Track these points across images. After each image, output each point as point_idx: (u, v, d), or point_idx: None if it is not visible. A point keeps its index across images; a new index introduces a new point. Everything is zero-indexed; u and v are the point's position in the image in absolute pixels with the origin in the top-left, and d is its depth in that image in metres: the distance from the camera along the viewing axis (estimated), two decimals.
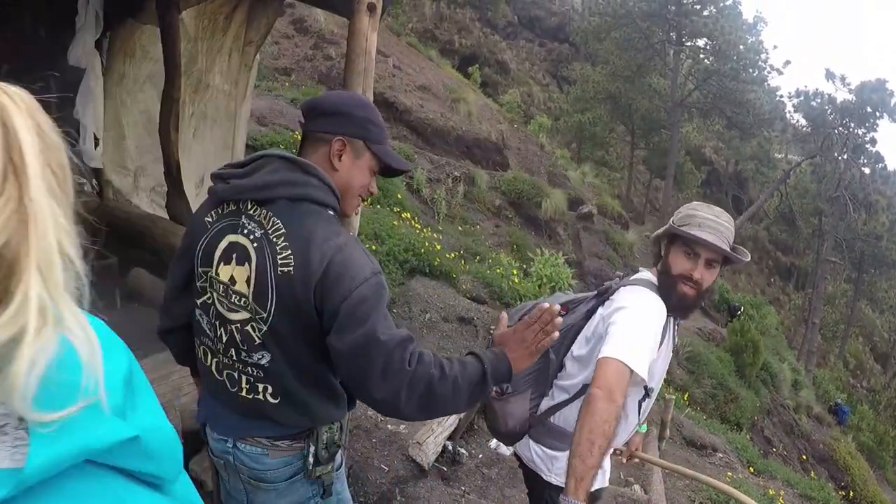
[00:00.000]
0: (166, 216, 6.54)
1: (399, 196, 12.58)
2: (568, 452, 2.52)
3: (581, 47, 40.52)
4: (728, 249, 2.84)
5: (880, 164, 37.13)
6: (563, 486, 2.43)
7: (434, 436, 5.71)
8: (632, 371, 2.57)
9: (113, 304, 6.02)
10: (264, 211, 2.22)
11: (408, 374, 2.12)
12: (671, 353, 3.15)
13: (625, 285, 2.99)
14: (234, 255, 2.24)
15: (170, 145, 6.16)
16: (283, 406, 2.32)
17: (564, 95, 39.18)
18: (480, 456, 6.67)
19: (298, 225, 2.18)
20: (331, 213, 2.27)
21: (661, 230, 3.05)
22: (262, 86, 15.87)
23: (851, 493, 16.37)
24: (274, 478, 2.44)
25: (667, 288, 2.91)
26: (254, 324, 2.21)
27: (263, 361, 2.25)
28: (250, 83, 6.69)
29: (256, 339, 2.22)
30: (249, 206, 2.25)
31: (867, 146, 35.68)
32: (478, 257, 12.34)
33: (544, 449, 3.05)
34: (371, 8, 3.77)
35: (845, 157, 34.44)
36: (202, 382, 2.58)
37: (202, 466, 3.60)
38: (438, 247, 10.35)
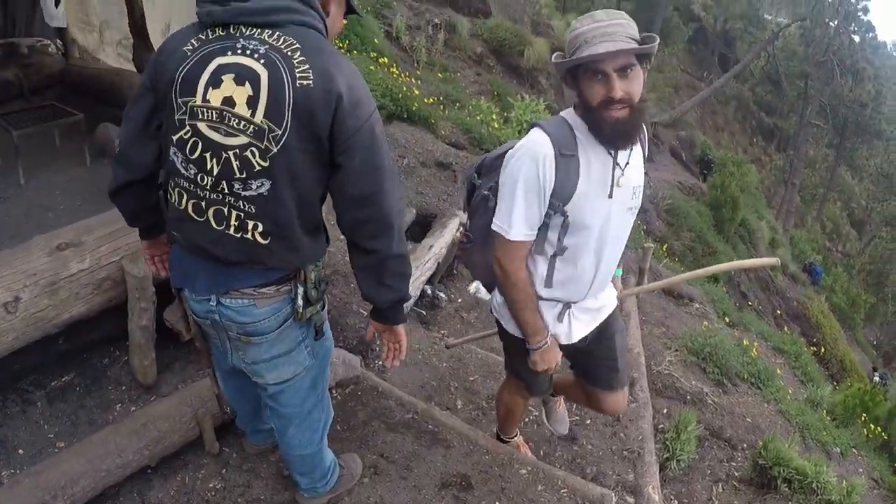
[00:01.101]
0: (134, 69, 6.35)
1: (376, 41, 12.22)
2: None
3: None
4: (633, 44, 2.48)
5: (871, 34, 36.87)
6: (517, 335, 3.06)
7: (413, 280, 5.63)
8: (512, 240, 2.76)
9: (82, 160, 6.03)
10: (269, 31, 2.15)
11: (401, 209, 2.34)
12: (627, 187, 2.78)
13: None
14: (232, 77, 2.12)
15: None
16: (273, 244, 2.29)
17: None
18: (460, 300, 6.65)
19: (314, 45, 2.16)
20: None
21: (557, 62, 2.63)
22: None
23: (822, 350, 16.73)
24: (264, 328, 2.48)
25: (597, 123, 2.59)
26: (254, 148, 2.14)
27: (263, 190, 2.19)
28: None
29: (257, 164, 2.15)
30: (245, 30, 2.16)
31: (859, 14, 35.26)
32: (457, 104, 12.12)
33: (501, 296, 3.06)
34: None
35: (836, 22, 33.79)
36: (173, 239, 2.48)
37: (176, 316, 3.50)
38: (417, 92, 10.13)
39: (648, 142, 3.06)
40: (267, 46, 2.11)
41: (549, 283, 2.91)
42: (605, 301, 3.16)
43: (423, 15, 15.74)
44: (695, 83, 39.61)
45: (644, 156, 2.95)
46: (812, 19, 35.01)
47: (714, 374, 7.15)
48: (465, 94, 13.39)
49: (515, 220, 2.70)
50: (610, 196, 2.73)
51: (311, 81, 2.09)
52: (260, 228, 2.24)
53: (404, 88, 9.59)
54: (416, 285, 5.64)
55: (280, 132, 2.11)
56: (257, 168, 2.14)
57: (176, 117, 2.19)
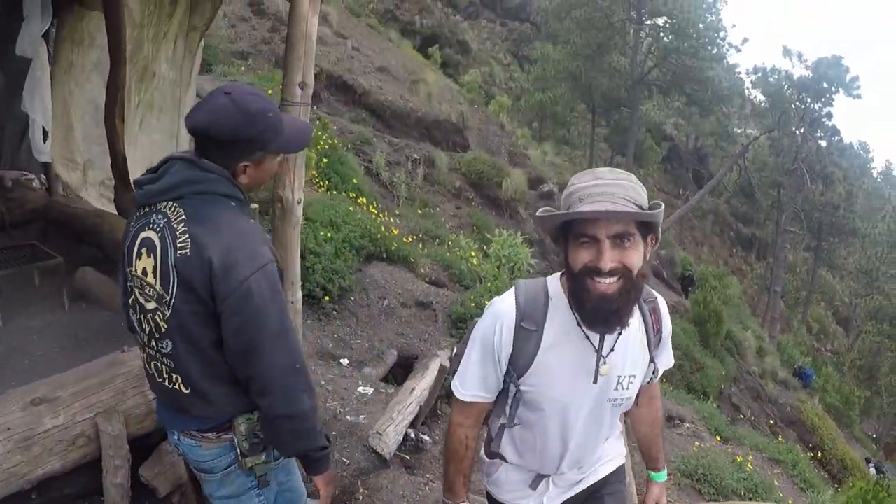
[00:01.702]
0: (115, 211, 6.44)
1: (356, 181, 12.43)
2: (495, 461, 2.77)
3: (542, 27, 40.51)
4: (634, 209, 2.11)
5: (836, 137, 38.04)
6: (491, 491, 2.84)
7: (394, 424, 5.62)
8: (460, 398, 2.61)
9: (61, 304, 5.93)
10: (173, 204, 2.36)
11: (288, 369, 2.36)
12: (611, 376, 2.42)
13: None
14: (144, 249, 2.37)
15: (116, 136, 6.02)
16: (192, 396, 2.46)
17: (525, 75, 39.21)
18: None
19: (200, 213, 2.33)
20: (234, 203, 2.40)
21: (542, 216, 2.27)
22: (218, 70, 15.61)
23: (820, 454, 16.56)
24: (212, 468, 2.61)
25: (578, 294, 2.22)
26: (160, 312, 2.35)
27: (168, 349, 2.39)
28: (194, 70, 6.56)
29: (162, 326, 2.36)
30: (160, 205, 2.39)
31: (823, 120, 36.52)
32: (437, 240, 12.26)
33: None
34: None
35: (802, 130, 35.12)
36: None
37: (153, 472, 3.53)
38: (396, 231, 10.27)
39: (656, 319, 2.58)
40: (165, 219, 2.34)
41: (509, 449, 2.69)
42: (590, 470, 2.79)
43: (402, 150, 16.05)
44: (672, 201, 40.20)
45: (652, 338, 2.54)
46: (779, 129, 36.18)
47: (710, 494, 7.11)
48: (444, 229, 13.57)
49: (468, 379, 2.55)
50: (586, 384, 2.40)
51: (188, 250, 2.27)
52: (180, 380, 2.43)
53: (382, 228, 9.73)
54: (398, 429, 5.62)
55: (169, 297, 2.30)
56: (162, 329, 2.36)
57: (128, 283, 2.48)
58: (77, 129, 6.45)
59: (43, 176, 8.31)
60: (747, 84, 39.95)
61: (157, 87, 6.55)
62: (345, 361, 7.11)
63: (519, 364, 2.42)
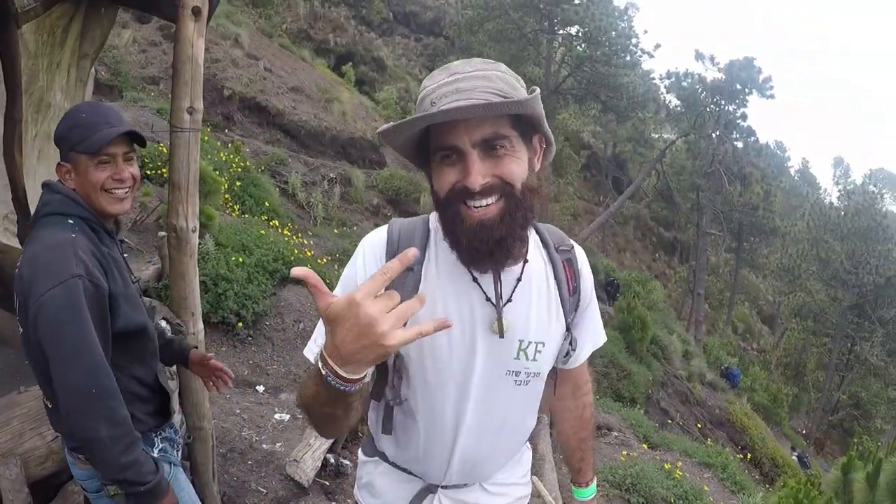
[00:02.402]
0: (19, 246, 6.28)
1: (267, 203, 12.35)
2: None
3: (456, 40, 40.65)
4: (502, 99, 1.63)
5: (752, 138, 38.44)
6: None
7: (312, 451, 5.55)
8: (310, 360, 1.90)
9: None
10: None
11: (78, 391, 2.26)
12: (511, 340, 1.92)
13: None
14: None
15: (15, 169, 5.83)
16: (52, 411, 2.52)
17: None
18: None
19: (35, 233, 2.41)
20: (70, 221, 2.41)
21: (387, 135, 1.71)
22: (129, 96, 15.38)
23: (750, 455, 16.82)
24: (87, 487, 2.64)
25: (449, 227, 1.76)
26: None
27: (27, 361, 2.43)
28: (87, 98, 6.40)
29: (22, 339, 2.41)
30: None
31: (738, 122, 36.89)
32: None
33: None
34: (196, 12, 3.58)
35: (718, 133, 35.68)
36: None
37: None
38: (310, 253, 10.23)
39: (572, 274, 2.06)
40: None
41: (391, 440, 2.14)
42: (494, 492, 2.20)
43: (318, 170, 16.05)
44: (592, 209, 40.72)
45: (566, 298, 2.03)
46: (695, 133, 36.80)
47: None
48: None
49: (316, 331, 1.95)
50: (479, 342, 1.90)
51: (18, 268, 2.37)
52: (43, 395, 2.51)
53: (296, 250, 9.65)
54: (316, 455, 5.54)
55: (17, 314, 2.37)
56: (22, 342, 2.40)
57: None
58: None
59: None
60: (662, 89, 40.53)
61: (53, 116, 6.37)
62: (261, 388, 7.01)
63: None
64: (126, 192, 2.53)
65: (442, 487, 2.12)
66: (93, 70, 6.15)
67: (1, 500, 3.50)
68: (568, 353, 2.05)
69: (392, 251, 1.92)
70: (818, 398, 33.19)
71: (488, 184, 1.66)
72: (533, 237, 2.00)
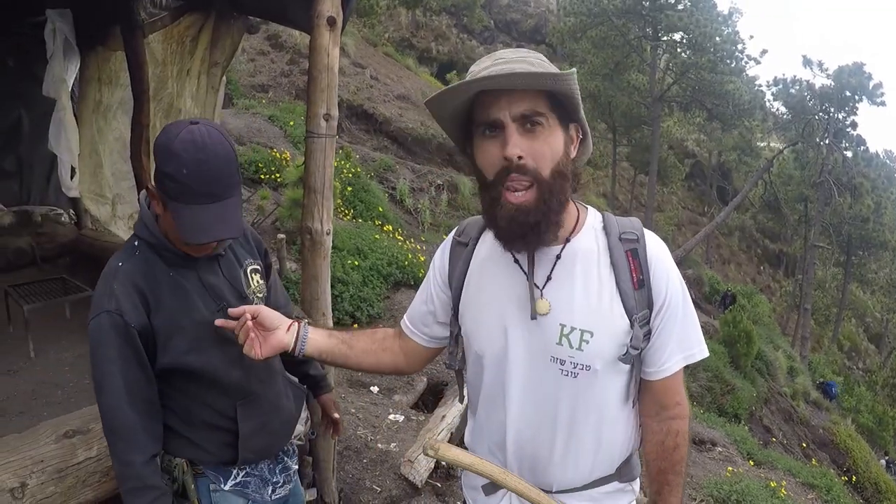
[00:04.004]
0: None
1: (381, 209, 12.50)
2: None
3: (558, 48, 40.45)
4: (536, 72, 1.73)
5: (862, 147, 37.08)
6: None
7: None
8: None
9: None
10: None
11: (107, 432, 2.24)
12: (552, 323, 1.90)
13: None
14: None
15: (142, 172, 6.09)
16: None
17: None
18: None
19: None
20: (136, 242, 2.32)
21: (434, 106, 1.87)
22: (240, 104, 15.78)
23: (854, 477, 16.29)
24: None
25: (489, 210, 1.83)
26: None
27: None
28: (218, 105, 6.60)
29: None
30: None
31: (848, 130, 35.55)
32: None
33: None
34: (331, 22, 3.65)
35: (827, 142, 34.40)
36: None
37: None
38: (422, 258, 10.29)
39: (637, 265, 1.95)
40: None
41: (469, 429, 2.28)
42: (569, 497, 2.08)
43: (425, 176, 16.14)
44: (696, 219, 39.99)
45: (629, 291, 1.92)
46: (803, 142, 35.75)
47: None
48: None
49: (411, 306, 2.32)
50: (519, 319, 1.93)
51: None
52: None
53: (409, 255, 9.75)
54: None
55: None
56: None
57: None
58: (105, 165, 6.51)
59: (72, 211, 8.47)
60: (768, 97, 39.28)
61: None
62: (375, 389, 7.12)
63: (453, 286, 2.11)
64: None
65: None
66: (224, 78, 6.33)
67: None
68: (627, 353, 1.91)
69: (459, 233, 2.17)
70: None
71: (524, 161, 1.74)
72: (593, 223, 2.02)
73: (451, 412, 6.40)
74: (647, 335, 1.95)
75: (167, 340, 2.26)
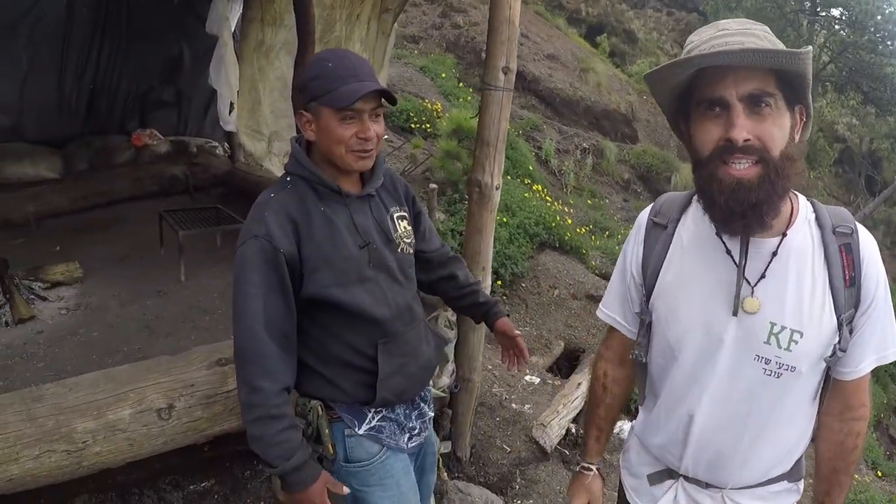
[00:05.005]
0: None
1: (530, 168, 12.40)
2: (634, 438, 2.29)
3: (710, 17, 39.28)
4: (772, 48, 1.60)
5: None
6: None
7: (559, 417, 5.58)
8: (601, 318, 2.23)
9: None
10: None
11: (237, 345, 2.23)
12: (761, 321, 1.79)
13: None
14: None
15: None
16: None
17: None
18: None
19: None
20: (288, 178, 2.38)
21: (653, 79, 1.77)
22: (392, 53, 15.87)
23: None
24: None
25: (706, 187, 1.70)
26: None
27: None
28: (388, 52, 6.63)
29: None
30: None
31: None
32: (607, 232, 12.00)
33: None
34: None
35: None
36: None
37: None
38: (570, 221, 10.19)
39: (850, 262, 1.81)
40: None
41: (641, 419, 2.20)
42: (745, 496, 2.03)
43: (571, 139, 15.91)
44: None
45: (839, 288, 1.80)
46: None
47: None
48: (613, 221, 13.29)
49: (607, 297, 2.19)
50: (723, 314, 1.83)
51: None
52: None
53: (557, 217, 9.67)
54: (562, 423, 5.55)
55: None
56: None
57: None
58: (265, 102, 6.62)
59: (226, 144, 8.74)
60: None
61: None
62: None
63: (648, 272, 1.97)
64: (370, 151, 2.35)
65: (684, 478, 2.06)
66: (395, 24, 6.34)
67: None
68: (834, 354, 1.82)
69: (655, 213, 2.01)
70: None
71: (750, 143, 1.61)
72: (805, 213, 1.86)
73: (586, 380, 6.32)
74: (849, 334, 1.84)
75: (314, 271, 2.28)
